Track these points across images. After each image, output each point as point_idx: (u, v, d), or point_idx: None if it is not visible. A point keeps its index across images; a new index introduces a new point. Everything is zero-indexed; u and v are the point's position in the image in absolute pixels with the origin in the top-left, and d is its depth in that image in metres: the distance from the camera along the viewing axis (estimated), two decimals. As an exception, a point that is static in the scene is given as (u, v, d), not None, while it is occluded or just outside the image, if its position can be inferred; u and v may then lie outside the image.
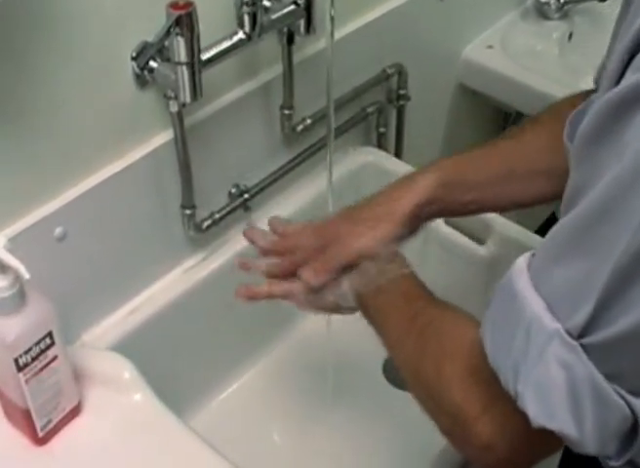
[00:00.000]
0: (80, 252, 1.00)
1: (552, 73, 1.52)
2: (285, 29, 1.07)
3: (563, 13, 1.65)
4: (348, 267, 0.89)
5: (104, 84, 0.93)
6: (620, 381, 0.56)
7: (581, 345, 0.55)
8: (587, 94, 0.90)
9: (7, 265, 0.75)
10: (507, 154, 0.93)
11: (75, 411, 0.89)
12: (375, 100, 1.38)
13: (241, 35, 0.98)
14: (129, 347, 1.05)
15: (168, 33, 0.88)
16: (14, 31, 0.81)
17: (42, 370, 0.82)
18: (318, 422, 1.25)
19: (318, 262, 0.90)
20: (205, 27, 0.90)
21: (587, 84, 0.90)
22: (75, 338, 1.05)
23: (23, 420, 0.85)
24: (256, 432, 1.24)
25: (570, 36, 1.65)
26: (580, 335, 0.55)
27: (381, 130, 1.44)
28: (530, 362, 0.57)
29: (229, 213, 1.17)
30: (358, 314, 0.90)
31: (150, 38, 0.92)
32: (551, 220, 1.96)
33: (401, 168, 1.32)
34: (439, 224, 1.31)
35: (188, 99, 0.93)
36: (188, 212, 1.09)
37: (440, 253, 1.34)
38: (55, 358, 0.82)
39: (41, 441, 0.87)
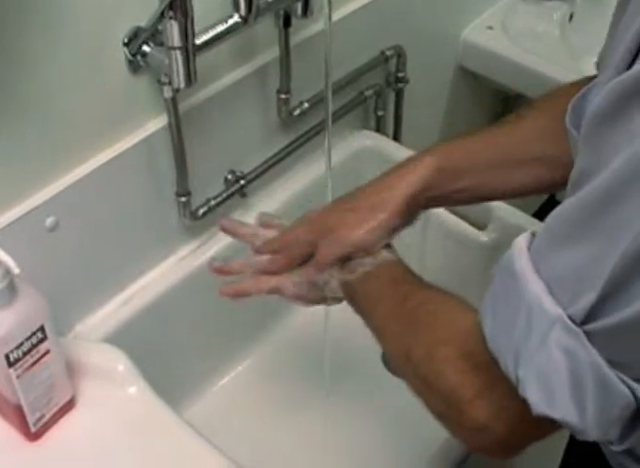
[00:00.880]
0: (72, 241, 0.99)
1: (553, 55, 1.50)
2: (281, 12, 1.05)
3: (564, -7, 1.63)
4: (346, 259, 0.87)
5: (96, 69, 0.92)
6: (624, 368, 0.55)
7: (585, 332, 0.54)
8: (587, 80, 0.89)
9: (-4, 259, 0.73)
10: (503, 140, 0.91)
11: (69, 405, 0.88)
12: (373, 83, 1.36)
13: (236, 18, 0.96)
14: (123, 337, 1.05)
15: (161, 17, 0.86)
16: (3, 17, 0.79)
17: (34, 364, 0.80)
18: (315, 412, 1.24)
19: (315, 260, 0.88)
20: (199, 11, 0.87)
21: (588, 65, 0.89)
22: (69, 329, 1.04)
23: (15, 416, 0.83)
24: (251, 422, 1.24)
25: (571, 17, 1.63)
26: (583, 321, 0.54)
27: (380, 113, 1.42)
28: (531, 347, 0.56)
29: (225, 199, 1.15)
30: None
31: (143, 23, 0.90)
32: (550, 202, 1.95)
33: (400, 152, 1.30)
34: (439, 211, 1.30)
35: (182, 85, 0.91)
36: (183, 199, 1.08)
37: (440, 239, 1.33)
38: (47, 352, 0.81)
39: (34, 436, 0.85)
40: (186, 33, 0.87)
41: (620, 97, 0.51)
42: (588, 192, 0.53)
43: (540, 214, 1.87)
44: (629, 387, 0.55)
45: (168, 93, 0.96)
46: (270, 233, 0.96)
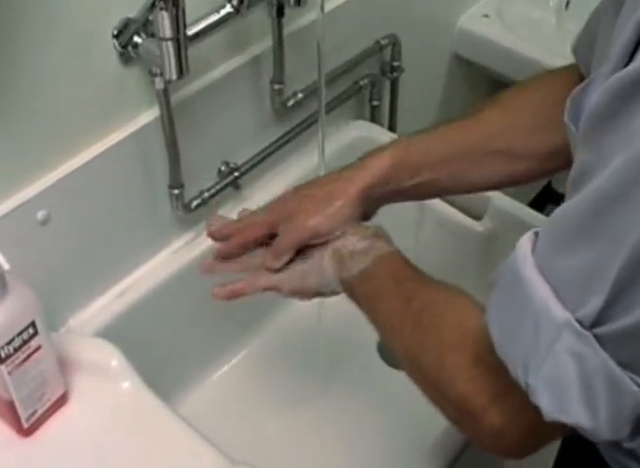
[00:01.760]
0: (64, 235, 0.98)
1: (549, 42, 1.49)
2: (274, 1, 1.04)
3: (560, -20, 1.62)
4: (305, 246, 0.88)
5: (87, 61, 0.90)
6: (635, 369, 0.54)
7: (594, 335, 0.54)
8: (556, 73, 0.89)
9: (-15, 255, 0.72)
10: (464, 136, 0.91)
11: (61, 401, 0.87)
12: (368, 73, 1.35)
13: (229, 8, 0.96)
14: (117, 331, 1.04)
15: (152, 7, 0.85)
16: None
17: (25, 360, 0.79)
18: (310, 404, 1.23)
19: (273, 246, 0.89)
20: (191, 1, 0.86)
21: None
22: (62, 323, 1.04)
23: (7, 412, 0.83)
24: (246, 415, 1.23)
25: (567, 4, 1.63)
26: (592, 325, 0.54)
27: (375, 103, 1.41)
28: (540, 354, 0.56)
29: (219, 191, 1.14)
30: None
31: (133, 14, 0.89)
32: (546, 191, 1.94)
33: (395, 142, 1.29)
34: (435, 201, 1.29)
35: (174, 77, 0.90)
36: (176, 192, 1.07)
37: (436, 229, 1.33)
38: (38, 348, 0.80)
39: (26, 432, 0.85)
40: (178, 24, 0.85)
41: (620, 94, 0.51)
42: (591, 192, 0.53)
43: (536, 204, 1.87)
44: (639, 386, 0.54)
45: (159, 84, 0.94)
46: None
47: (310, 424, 1.21)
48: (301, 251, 0.89)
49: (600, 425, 0.55)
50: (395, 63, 1.39)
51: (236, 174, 1.16)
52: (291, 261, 0.89)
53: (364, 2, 1.25)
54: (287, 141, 1.23)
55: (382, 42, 1.33)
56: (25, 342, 0.78)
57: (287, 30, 1.10)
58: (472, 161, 0.90)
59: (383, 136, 1.37)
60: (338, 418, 1.21)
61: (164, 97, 0.96)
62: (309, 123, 1.24)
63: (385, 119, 1.48)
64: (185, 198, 1.09)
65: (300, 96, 1.20)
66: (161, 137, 1.00)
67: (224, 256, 0.94)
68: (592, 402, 0.54)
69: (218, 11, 0.95)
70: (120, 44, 0.91)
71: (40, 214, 0.93)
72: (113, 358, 0.90)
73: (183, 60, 0.89)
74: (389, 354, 1.25)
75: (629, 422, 0.56)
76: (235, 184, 1.16)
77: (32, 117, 0.88)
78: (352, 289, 0.85)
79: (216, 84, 1.07)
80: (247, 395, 1.26)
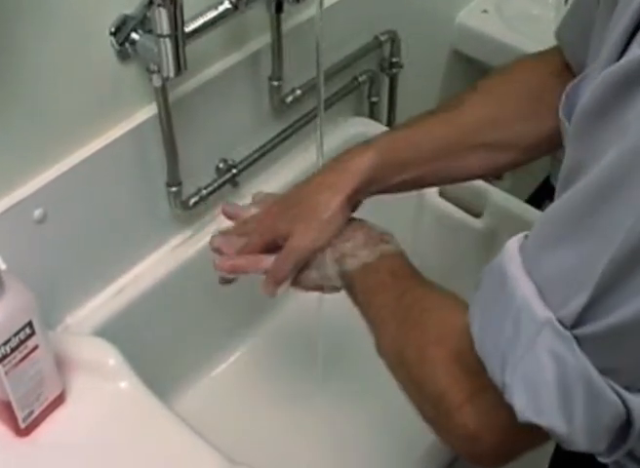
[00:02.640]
0: (61, 233, 0.97)
1: (548, 38, 1.46)
2: (273, -3, 1.03)
3: (559, -25, 1.62)
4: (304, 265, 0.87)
5: (84, 58, 0.90)
6: (615, 375, 0.53)
7: (575, 336, 0.53)
8: (536, 58, 0.88)
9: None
10: (446, 129, 0.89)
11: (59, 401, 0.87)
12: (366, 69, 1.34)
13: (227, 5, 0.95)
14: (115, 329, 1.04)
15: (150, 4, 0.84)
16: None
17: (22, 360, 0.79)
18: (308, 402, 1.23)
19: (272, 273, 0.88)
20: (189, -3, 0.86)
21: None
22: (59, 322, 1.03)
23: (4, 412, 0.82)
24: (244, 413, 1.23)
25: (566, 0, 1.61)
26: (573, 325, 0.53)
27: (373, 99, 1.41)
28: (518, 352, 0.55)
29: (217, 188, 1.14)
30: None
31: (131, 10, 0.88)
32: (545, 186, 1.94)
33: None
34: (434, 198, 1.29)
35: (172, 74, 0.89)
36: (174, 189, 1.06)
37: (435, 226, 1.32)
38: (35, 348, 0.80)
39: (24, 432, 0.84)
40: (175, 21, 0.85)
41: (611, 89, 0.50)
42: (579, 190, 0.52)
43: (534, 200, 1.87)
44: (620, 396, 0.53)
45: (157, 81, 0.94)
46: None
47: (308, 422, 1.21)
48: None
49: (575, 432, 0.54)
50: (394, 59, 1.38)
51: (234, 171, 1.15)
52: None
53: (363, -2, 1.24)
54: (285, 138, 1.22)
55: (381, 38, 1.33)
56: (22, 342, 0.78)
57: (285, 26, 1.09)
58: (458, 155, 0.89)
59: (382, 132, 1.36)
60: (336, 417, 1.21)
61: (162, 95, 0.96)
62: (308, 119, 1.23)
63: (384, 115, 1.47)
64: (183, 195, 1.08)
65: (299, 92, 1.20)
66: (159, 135, 1.00)
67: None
68: (568, 405, 0.54)
69: (216, 7, 0.94)
70: (117, 41, 0.91)
71: (37, 213, 0.93)
72: (111, 357, 0.90)
73: (181, 57, 0.88)
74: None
75: (607, 434, 0.55)
76: (233, 182, 1.16)
77: (29, 114, 0.88)
78: (352, 282, 0.84)
79: (214, 81, 1.06)
80: (244, 393, 1.25)
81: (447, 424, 0.66)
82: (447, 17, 1.52)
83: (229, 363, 1.29)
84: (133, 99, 0.98)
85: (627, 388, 0.54)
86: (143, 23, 0.89)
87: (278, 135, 1.21)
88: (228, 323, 1.26)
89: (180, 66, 0.89)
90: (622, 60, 0.49)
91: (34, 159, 0.91)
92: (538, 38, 1.46)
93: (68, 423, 0.86)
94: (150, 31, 0.88)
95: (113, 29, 0.90)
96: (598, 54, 0.58)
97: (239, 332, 1.30)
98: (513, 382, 0.55)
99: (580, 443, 0.55)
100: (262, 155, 1.19)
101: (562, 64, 0.85)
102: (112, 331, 0.99)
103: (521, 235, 0.59)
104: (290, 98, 1.19)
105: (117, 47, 0.91)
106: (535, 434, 0.58)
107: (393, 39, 1.35)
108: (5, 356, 0.77)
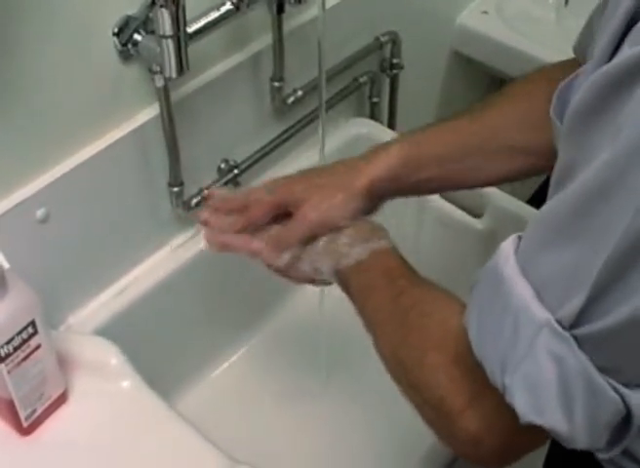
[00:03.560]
0: (64, 233, 0.97)
1: (549, 39, 1.49)
2: (275, -2, 1.04)
3: (560, -23, 1.62)
4: (311, 238, 0.87)
5: (86, 59, 0.90)
6: (615, 374, 0.53)
7: (574, 336, 0.53)
8: (571, 63, 0.88)
9: (-15, 254, 0.72)
10: (474, 130, 0.90)
11: (61, 400, 0.87)
12: (367, 70, 1.35)
13: (229, 6, 0.96)
14: (117, 328, 1.04)
15: (152, 5, 0.84)
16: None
17: (25, 359, 0.79)
18: (311, 402, 1.23)
19: (277, 239, 0.88)
20: (191, -2, 0.86)
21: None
22: (61, 321, 1.03)
23: (7, 411, 0.82)
24: (246, 413, 1.23)
25: (566, 1, 1.62)
26: (572, 326, 0.53)
27: (374, 100, 1.41)
28: (518, 353, 0.55)
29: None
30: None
31: (133, 11, 0.89)
32: (545, 187, 1.93)
33: (395, 139, 1.28)
34: (435, 198, 1.29)
35: (174, 74, 0.90)
36: (176, 189, 1.07)
37: (436, 227, 1.32)
38: (38, 347, 0.80)
39: (26, 431, 0.84)
40: (178, 21, 0.85)
41: (604, 89, 0.50)
42: (573, 190, 0.52)
43: (535, 201, 1.87)
44: (619, 393, 0.53)
45: (159, 82, 0.94)
46: None
47: (310, 422, 1.21)
48: None
49: (576, 430, 0.54)
50: (395, 60, 1.38)
51: (236, 171, 1.15)
52: None
53: (364, -1, 1.24)
54: (287, 139, 1.22)
55: (382, 39, 1.33)
56: (25, 341, 0.78)
57: (287, 27, 1.09)
58: (478, 158, 0.89)
59: (383, 133, 1.36)
60: (338, 416, 1.21)
61: (164, 95, 0.96)
62: (309, 120, 1.24)
63: (385, 116, 1.47)
64: (185, 196, 1.09)
65: (300, 93, 1.20)
66: (161, 135, 1.00)
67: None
68: (569, 405, 0.54)
69: (218, 8, 0.94)
70: (120, 42, 0.91)
71: (39, 213, 0.93)
72: (113, 356, 0.90)
73: (183, 58, 0.89)
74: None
75: (606, 431, 0.55)
76: (235, 182, 1.16)
77: (32, 115, 0.88)
78: (347, 281, 0.85)
79: (215, 81, 1.06)
80: (246, 393, 1.26)
81: (448, 428, 0.66)
82: (447, 18, 1.53)
83: (231, 362, 1.29)
84: (135, 100, 0.99)
85: (626, 385, 0.54)
86: (146, 24, 0.89)
87: (279, 135, 1.22)
88: (230, 323, 1.26)
89: (182, 67, 0.89)
90: (614, 60, 0.49)
91: (37, 159, 0.91)
92: (538, 39, 1.47)
93: (71, 422, 0.86)
94: (153, 32, 0.88)
95: (116, 30, 0.90)
96: (591, 53, 0.58)
97: (241, 332, 1.30)
98: (514, 383, 0.55)
99: (581, 441, 0.55)
100: (264, 156, 1.19)
101: None
102: (114, 331, 0.99)
103: (515, 236, 0.58)
104: (291, 99, 1.19)
105: (120, 47, 0.91)
106: (536, 435, 0.58)
107: (394, 40, 1.35)
108: (8, 355, 0.77)
